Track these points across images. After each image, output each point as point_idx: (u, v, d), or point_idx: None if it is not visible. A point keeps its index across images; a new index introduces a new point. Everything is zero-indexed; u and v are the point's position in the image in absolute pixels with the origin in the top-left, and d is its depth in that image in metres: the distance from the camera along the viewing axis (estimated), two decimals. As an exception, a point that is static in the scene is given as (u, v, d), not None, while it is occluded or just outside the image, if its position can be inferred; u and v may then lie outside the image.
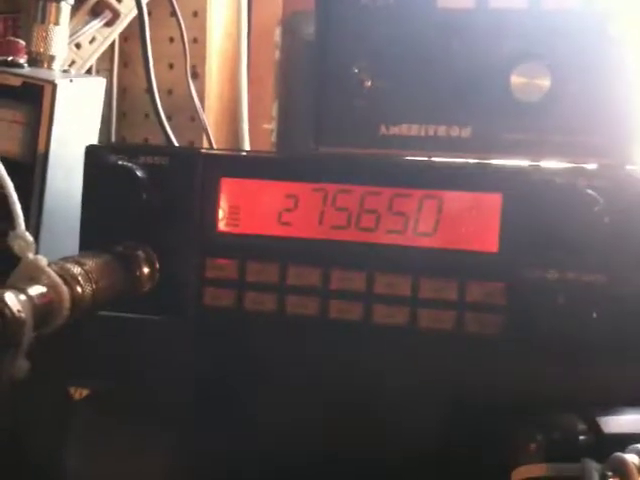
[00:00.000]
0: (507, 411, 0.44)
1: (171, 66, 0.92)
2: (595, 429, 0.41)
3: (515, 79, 0.47)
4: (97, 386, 0.51)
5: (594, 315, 0.42)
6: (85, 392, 0.51)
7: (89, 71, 0.87)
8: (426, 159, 0.48)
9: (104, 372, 0.51)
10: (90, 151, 0.50)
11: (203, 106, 0.91)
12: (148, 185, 0.48)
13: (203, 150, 0.50)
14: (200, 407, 0.50)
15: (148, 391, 0.50)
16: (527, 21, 0.47)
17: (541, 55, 0.47)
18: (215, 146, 0.89)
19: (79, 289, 0.42)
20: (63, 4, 0.63)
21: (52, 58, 0.62)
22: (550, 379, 0.44)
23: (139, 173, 0.48)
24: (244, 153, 0.54)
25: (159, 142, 0.87)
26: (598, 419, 0.41)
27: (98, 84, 0.65)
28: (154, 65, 0.80)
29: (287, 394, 0.47)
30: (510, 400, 0.44)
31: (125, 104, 0.94)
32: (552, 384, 0.44)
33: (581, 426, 0.41)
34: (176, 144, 0.83)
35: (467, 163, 0.47)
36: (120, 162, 0.48)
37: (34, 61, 0.62)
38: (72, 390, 0.51)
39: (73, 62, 0.81)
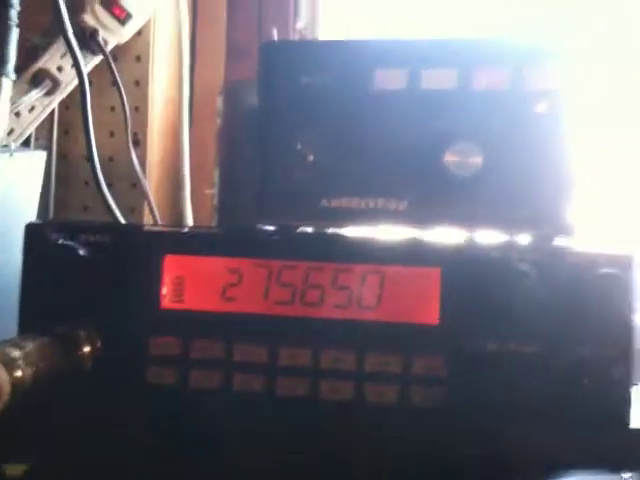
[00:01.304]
0: (453, 480, 0.45)
1: (112, 134, 0.92)
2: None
3: (448, 157, 0.49)
4: (34, 463, 0.49)
5: (533, 384, 0.43)
6: (22, 469, 0.49)
7: (28, 138, 0.87)
8: (368, 236, 0.49)
9: (42, 450, 0.49)
10: (30, 229, 0.49)
11: (145, 172, 0.91)
12: (90, 263, 0.48)
13: (145, 227, 0.50)
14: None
15: (89, 470, 0.49)
16: (457, 101, 0.49)
17: (472, 134, 0.49)
18: (156, 212, 0.89)
19: (19, 373, 0.41)
20: (4, 80, 0.63)
21: (-8, 133, 0.62)
22: (494, 447, 0.45)
23: (81, 251, 0.48)
24: (187, 229, 0.54)
25: (99, 209, 0.86)
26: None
27: (38, 158, 0.65)
28: (95, 133, 0.80)
29: (233, 473, 0.47)
30: (456, 470, 0.45)
31: (65, 171, 0.93)
32: (496, 452, 0.45)
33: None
34: (116, 211, 0.83)
35: (407, 239, 0.49)
36: (61, 240, 0.48)
37: (-27, 136, 0.61)
38: (8, 468, 0.49)
39: (12, 130, 0.80)
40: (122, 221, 0.82)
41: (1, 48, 0.63)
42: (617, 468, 0.42)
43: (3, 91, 0.63)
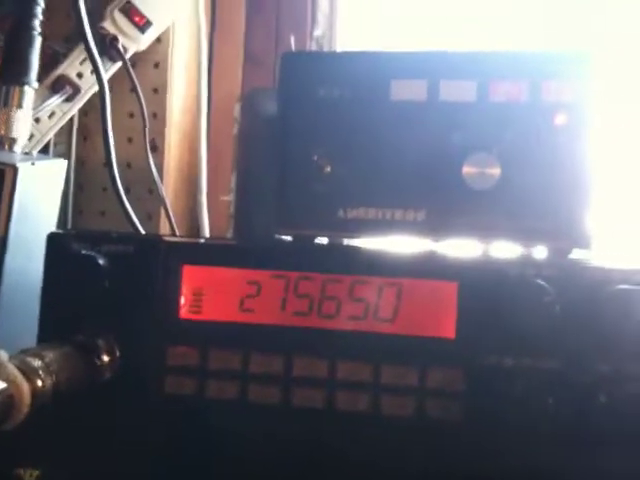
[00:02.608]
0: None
1: (130, 140, 0.93)
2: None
3: (467, 169, 0.49)
4: (49, 469, 0.50)
5: (550, 401, 0.43)
6: (35, 474, 0.50)
7: (47, 144, 0.87)
8: (385, 248, 0.50)
9: (57, 456, 0.50)
10: (52, 239, 0.50)
11: (162, 179, 0.92)
12: (110, 273, 0.48)
13: (165, 238, 0.50)
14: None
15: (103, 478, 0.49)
16: (476, 113, 0.49)
17: (490, 146, 0.49)
18: (173, 218, 0.89)
19: (39, 383, 0.41)
20: (27, 88, 0.63)
21: (14, 140, 0.63)
22: (509, 462, 0.45)
23: (101, 261, 0.48)
24: (206, 241, 0.55)
25: (116, 215, 0.87)
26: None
27: (59, 166, 0.66)
28: (113, 139, 0.81)
29: (250, 483, 0.47)
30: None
31: (83, 177, 0.94)
32: (511, 467, 0.45)
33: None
34: (134, 218, 0.84)
35: (424, 252, 0.49)
36: (82, 250, 0.49)
37: (-4, 143, 0.62)
38: (21, 472, 0.50)
39: (32, 136, 0.81)
40: (139, 227, 0.82)
41: (24, 57, 0.63)
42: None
43: (26, 99, 0.64)
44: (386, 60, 0.51)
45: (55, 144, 0.90)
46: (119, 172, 0.82)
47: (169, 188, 0.94)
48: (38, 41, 0.65)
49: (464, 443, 0.45)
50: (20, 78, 0.63)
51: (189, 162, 0.98)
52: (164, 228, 0.92)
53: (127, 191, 0.85)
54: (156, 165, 0.89)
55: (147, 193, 0.92)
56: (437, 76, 0.50)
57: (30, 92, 0.65)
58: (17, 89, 0.63)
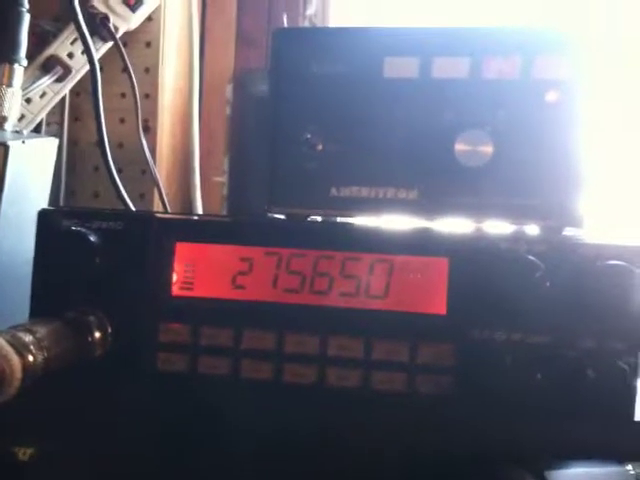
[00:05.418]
0: (458, 468, 0.45)
1: (122, 120, 0.92)
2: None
3: (459, 146, 0.49)
4: (43, 446, 0.50)
5: (539, 376, 0.44)
6: (29, 451, 0.50)
7: (39, 125, 0.87)
8: (376, 225, 0.50)
9: (51, 434, 0.50)
10: (43, 215, 0.50)
11: (155, 159, 0.91)
12: (101, 250, 0.48)
13: (158, 215, 0.50)
14: (153, 472, 0.49)
15: (100, 455, 0.50)
16: (468, 90, 0.49)
17: (483, 123, 0.49)
18: (166, 198, 0.89)
19: (30, 358, 0.41)
20: (16, 66, 0.63)
21: (4, 119, 0.62)
22: (499, 436, 0.46)
23: (92, 238, 0.48)
24: (198, 217, 0.55)
25: (109, 195, 0.87)
26: (546, 474, 0.43)
27: (50, 144, 0.65)
28: (105, 119, 0.80)
29: (241, 459, 0.47)
30: (461, 457, 0.45)
31: (75, 157, 0.94)
32: (501, 441, 0.45)
33: (530, 482, 0.42)
34: (126, 197, 0.83)
35: (415, 229, 0.49)
36: (73, 227, 0.49)
37: (-15, 122, 0.62)
38: (17, 450, 0.50)
39: (23, 116, 0.81)
40: (132, 207, 0.82)
41: (13, 34, 0.63)
42: (621, 460, 0.43)
43: (15, 78, 0.63)
44: (379, 36, 0.51)
45: (47, 124, 0.90)
46: (111, 152, 0.81)
47: (162, 169, 0.94)
48: (26, 18, 0.64)
49: (454, 418, 0.45)
50: (9, 55, 0.63)
51: (182, 143, 0.98)
52: (157, 209, 0.92)
53: (119, 171, 0.85)
54: (149, 146, 0.89)
55: (140, 174, 0.92)
56: (430, 53, 0.50)
57: (20, 70, 0.64)
58: (6, 67, 0.63)
